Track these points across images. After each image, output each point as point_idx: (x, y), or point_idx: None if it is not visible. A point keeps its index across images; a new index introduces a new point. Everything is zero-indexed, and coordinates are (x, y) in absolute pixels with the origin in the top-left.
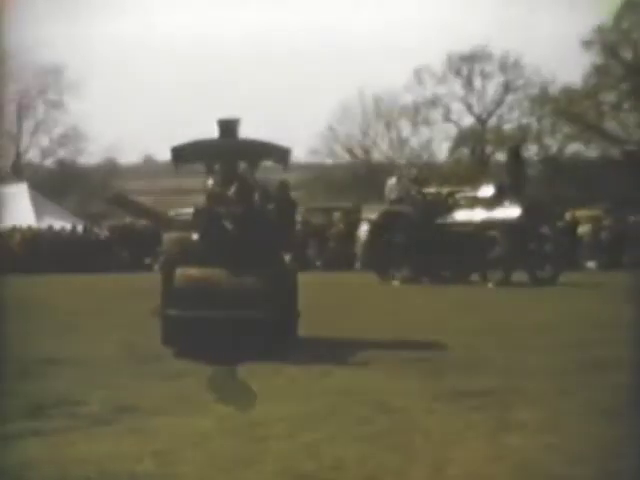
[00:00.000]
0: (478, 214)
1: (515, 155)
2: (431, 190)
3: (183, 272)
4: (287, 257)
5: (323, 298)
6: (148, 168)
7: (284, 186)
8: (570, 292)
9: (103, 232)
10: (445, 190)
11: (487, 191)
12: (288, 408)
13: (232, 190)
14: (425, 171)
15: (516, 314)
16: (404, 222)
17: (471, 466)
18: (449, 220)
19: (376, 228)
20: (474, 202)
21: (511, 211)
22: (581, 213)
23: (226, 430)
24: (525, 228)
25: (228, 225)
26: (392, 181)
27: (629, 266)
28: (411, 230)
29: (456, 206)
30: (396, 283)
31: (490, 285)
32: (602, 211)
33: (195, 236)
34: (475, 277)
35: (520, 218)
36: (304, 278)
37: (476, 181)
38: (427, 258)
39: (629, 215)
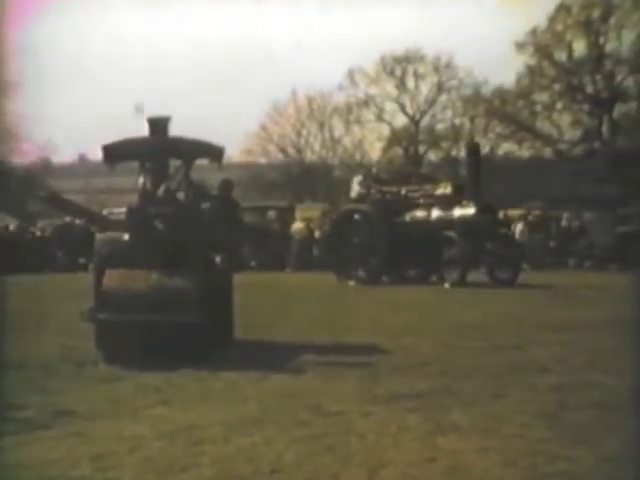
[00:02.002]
0: (435, 213)
1: (473, 152)
2: (391, 189)
3: (112, 274)
4: (221, 258)
5: (260, 299)
6: (82, 167)
7: (227, 185)
8: (524, 293)
9: (40, 231)
10: (404, 189)
11: (445, 189)
12: (224, 412)
13: (161, 189)
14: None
15: (458, 315)
16: (363, 221)
17: (406, 468)
18: (408, 219)
19: (335, 227)
20: (432, 201)
21: (467, 210)
22: (514, 212)
23: (162, 434)
24: (481, 227)
25: (158, 225)
26: (357, 179)
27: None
28: (369, 229)
29: (415, 205)
30: (352, 283)
31: (446, 286)
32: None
33: (127, 236)
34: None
35: (476, 217)
36: (239, 279)
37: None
38: (386, 258)
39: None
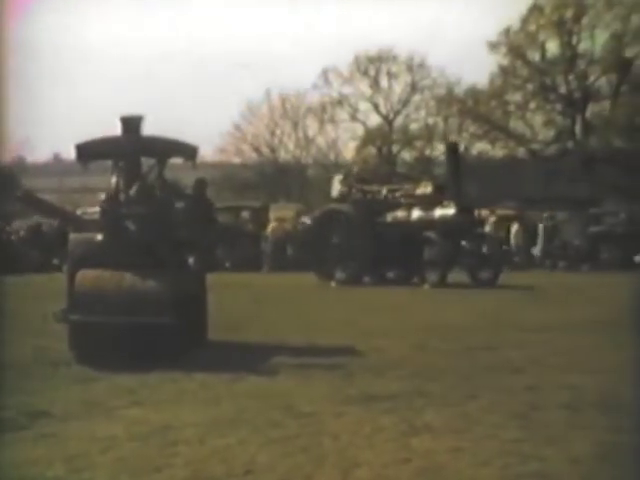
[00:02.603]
0: (416, 213)
1: (453, 152)
2: (372, 189)
3: (85, 275)
4: (195, 258)
5: (234, 300)
6: (57, 166)
7: (201, 184)
8: (502, 294)
9: (14, 232)
10: (385, 188)
11: (426, 189)
12: (198, 413)
13: (133, 189)
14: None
15: (433, 316)
16: (344, 221)
17: (379, 469)
18: (389, 219)
19: (316, 227)
20: (413, 201)
21: (448, 211)
22: (486, 212)
23: (136, 435)
24: (461, 228)
25: (131, 226)
26: (338, 178)
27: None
28: (350, 229)
29: (396, 205)
30: (333, 284)
31: (426, 287)
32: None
33: (100, 237)
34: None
35: (456, 218)
36: (214, 279)
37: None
38: (367, 259)
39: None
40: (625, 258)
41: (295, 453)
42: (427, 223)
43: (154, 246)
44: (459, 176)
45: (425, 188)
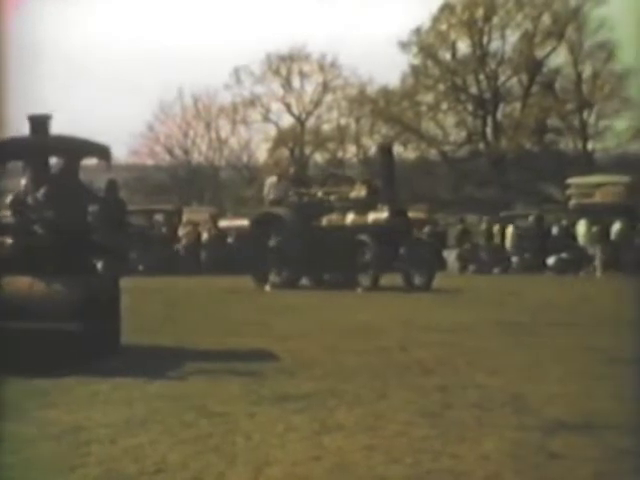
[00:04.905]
0: (350, 217)
1: (386, 153)
2: (309, 191)
3: None
4: (106, 262)
5: (148, 304)
6: None
7: (112, 186)
8: (431, 297)
9: None
10: (321, 191)
11: (360, 192)
12: (110, 414)
13: (41, 192)
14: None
15: (351, 318)
16: (280, 225)
17: (291, 467)
18: (324, 223)
19: (252, 230)
20: (348, 203)
21: (381, 214)
22: None
23: (49, 435)
24: (395, 231)
25: (38, 229)
26: (272, 180)
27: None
28: (285, 233)
29: (331, 208)
30: (268, 288)
31: (359, 290)
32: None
33: (9, 241)
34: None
35: (389, 221)
36: (127, 283)
37: None
38: (301, 263)
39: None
40: (536, 260)
41: (207, 452)
42: (361, 226)
43: (63, 250)
44: (393, 178)
45: (359, 191)
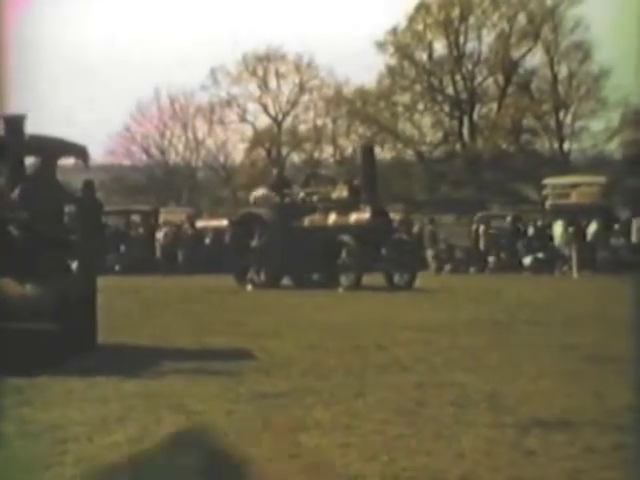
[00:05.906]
0: (332, 217)
1: (368, 153)
2: (291, 191)
3: None
4: (81, 262)
5: (125, 304)
6: None
7: (89, 186)
8: (411, 296)
9: None
10: (303, 191)
11: (342, 192)
12: (87, 412)
13: (16, 192)
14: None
15: (329, 317)
16: (261, 225)
17: (268, 464)
18: (306, 224)
19: (235, 230)
20: (330, 204)
21: (363, 214)
22: None
23: (26, 433)
24: (376, 232)
25: (13, 230)
26: (258, 193)
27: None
28: (267, 234)
29: (313, 209)
30: (250, 288)
31: (340, 290)
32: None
33: None
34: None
35: (370, 221)
36: (104, 283)
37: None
38: (283, 263)
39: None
40: (512, 260)
41: None
42: (343, 227)
43: (38, 251)
44: (374, 179)
45: (341, 192)
